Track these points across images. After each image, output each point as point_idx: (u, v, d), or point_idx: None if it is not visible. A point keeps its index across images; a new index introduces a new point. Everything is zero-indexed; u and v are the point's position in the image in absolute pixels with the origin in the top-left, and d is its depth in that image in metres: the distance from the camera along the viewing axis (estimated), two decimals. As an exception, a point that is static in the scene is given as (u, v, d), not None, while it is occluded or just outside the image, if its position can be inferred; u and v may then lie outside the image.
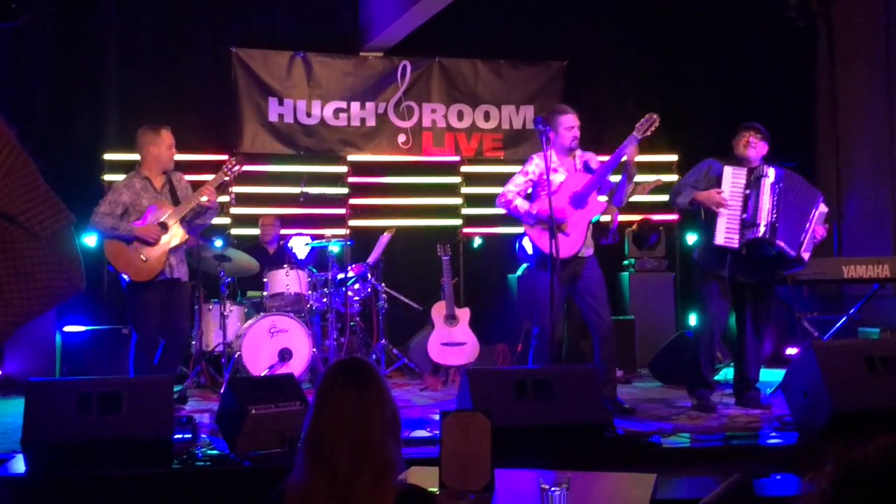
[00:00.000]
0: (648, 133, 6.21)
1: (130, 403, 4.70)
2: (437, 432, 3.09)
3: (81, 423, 4.64)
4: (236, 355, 7.41)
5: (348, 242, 8.43)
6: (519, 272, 8.91)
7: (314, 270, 8.19)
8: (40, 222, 1.97)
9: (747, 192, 6.29)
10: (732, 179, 6.33)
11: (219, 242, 7.86)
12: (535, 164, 6.25)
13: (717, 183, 6.36)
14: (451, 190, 10.07)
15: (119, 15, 9.28)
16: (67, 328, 8.00)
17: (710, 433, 5.52)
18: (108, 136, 9.15)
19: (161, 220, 6.44)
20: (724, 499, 2.49)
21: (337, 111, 9.85)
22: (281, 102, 9.70)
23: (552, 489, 2.70)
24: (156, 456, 4.65)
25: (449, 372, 8.01)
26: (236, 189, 8.31)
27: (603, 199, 6.39)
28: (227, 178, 6.76)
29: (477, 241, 9.88)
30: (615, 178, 6.35)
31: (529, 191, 6.35)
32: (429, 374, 8.01)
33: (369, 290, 8.33)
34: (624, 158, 6.14)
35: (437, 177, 10.08)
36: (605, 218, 6.56)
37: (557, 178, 6.28)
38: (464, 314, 8.05)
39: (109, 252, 6.41)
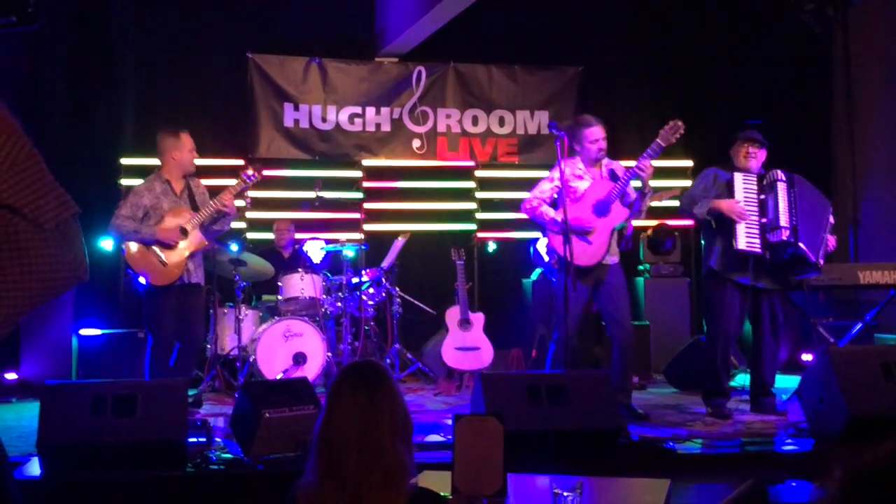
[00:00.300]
0: (673, 140, 6.17)
1: (145, 406, 4.72)
2: (451, 437, 3.09)
3: (96, 426, 4.65)
4: (251, 359, 7.43)
5: (363, 247, 8.43)
6: (533, 277, 8.91)
7: (329, 274, 8.20)
8: (45, 213, 1.96)
9: (762, 196, 6.25)
10: (744, 186, 6.28)
11: (234, 247, 7.90)
12: (560, 170, 6.21)
13: (727, 190, 6.30)
14: (465, 195, 10.07)
15: (135, 20, 9.34)
16: (84, 331, 8.03)
17: (725, 439, 5.49)
18: (125, 141, 9.22)
19: (182, 224, 6.47)
20: (738, 504, 2.47)
21: (352, 116, 9.88)
22: (296, 107, 9.73)
23: (565, 494, 2.70)
24: (170, 459, 4.66)
25: (463, 377, 8.00)
26: (252, 193, 8.31)
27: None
28: (246, 186, 6.79)
29: (491, 246, 9.89)
30: (637, 184, 6.33)
31: (555, 197, 6.34)
32: (443, 379, 8.00)
33: (383, 294, 8.34)
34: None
35: (452, 181, 10.08)
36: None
37: (582, 185, 6.27)
38: (478, 319, 8.05)
39: (130, 255, 6.41)
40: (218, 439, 5.22)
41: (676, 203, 6.83)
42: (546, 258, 6.76)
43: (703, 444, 5.32)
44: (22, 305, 1.93)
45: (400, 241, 8.45)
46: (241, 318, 7.64)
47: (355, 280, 8.15)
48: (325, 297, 7.98)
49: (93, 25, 9.25)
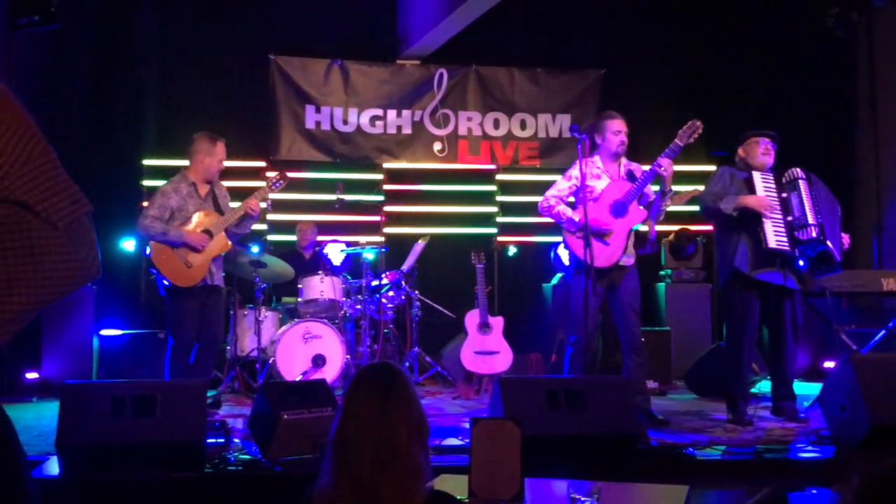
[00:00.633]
0: (692, 140, 6.13)
1: (164, 407, 4.72)
2: (469, 441, 3.07)
3: (115, 426, 4.66)
4: (270, 361, 7.45)
5: (383, 249, 8.45)
6: (554, 281, 8.89)
7: (349, 277, 8.22)
8: (58, 211, 1.94)
9: (784, 195, 6.20)
10: (764, 184, 6.23)
11: (255, 248, 7.93)
12: (579, 170, 6.17)
13: (746, 188, 6.24)
14: (486, 198, 10.06)
15: (158, 22, 9.40)
16: (104, 332, 8.08)
17: (745, 446, 5.45)
18: (147, 142, 9.27)
19: (207, 227, 6.51)
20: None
21: (373, 119, 9.89)
22: (318, 110, 9.76)
23: (583, 499, 2.68)
24: (188, 460, 4.67)
25: (482, 380, 7.99)
26: (273, 196, 8.34)
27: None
28: (272, 190, 6.82)
29: (512, 250, 9.87)
30: (655, 188, 6.29)
31: (572, 199, 6.31)
32: (461, 383, 7.99)
33: (403, 297, 8.34)
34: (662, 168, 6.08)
35: (473, 185, 10.08)
36: (643, 228, 6.47)
37: (600, 184, 6.24)
38: (497, 323, 8.03)
39: (155, 256, 6.45)
40: (236, 440, 5.23)
41: (697, 208, 6.76)
42: (567, 262, 6.72)
43: (723, 451, 5.28)
44: (33, 303, 1.93)
45: (420, 244, 8.46)
46: (260, 319, 7.67)
47: (375, 283, 8.16)
48: (344, 299, 7.99)
49: (115, 26, 9.30)
